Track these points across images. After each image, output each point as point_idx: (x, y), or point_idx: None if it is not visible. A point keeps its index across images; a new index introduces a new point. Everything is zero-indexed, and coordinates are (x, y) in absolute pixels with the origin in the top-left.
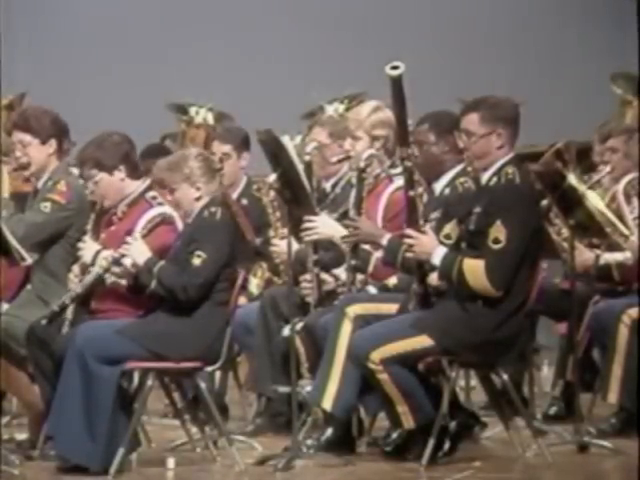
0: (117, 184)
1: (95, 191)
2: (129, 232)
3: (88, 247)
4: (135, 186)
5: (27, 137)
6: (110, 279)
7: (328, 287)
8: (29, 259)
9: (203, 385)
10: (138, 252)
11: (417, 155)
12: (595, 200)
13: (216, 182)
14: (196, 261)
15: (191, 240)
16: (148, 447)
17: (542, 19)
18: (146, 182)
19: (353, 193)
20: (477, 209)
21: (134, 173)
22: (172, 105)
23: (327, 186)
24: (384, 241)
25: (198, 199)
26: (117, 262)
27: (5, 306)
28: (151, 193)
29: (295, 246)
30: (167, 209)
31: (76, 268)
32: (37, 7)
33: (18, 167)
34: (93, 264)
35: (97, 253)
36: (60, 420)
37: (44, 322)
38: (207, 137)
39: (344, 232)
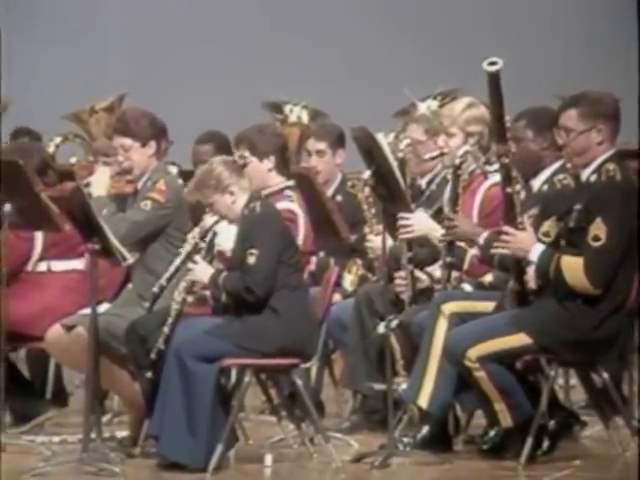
0: (262, 172)
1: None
2: None
3: (201, 269)
4: (278, 180)
5: (128, 141)
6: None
7: (422, 284)
8: (130, 259)
9: (299, 382)
10: (202, 273)
11: (514, 152)
12: None
13: (246, 178)
14: (251, 259)
15: (241, 241)
16: (246, 444)
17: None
18: (290, 182)
19: (448, 190)
20: (577, 206)
21: (283, 168)
22: (267, 103)
23: (422, 183)
24: (480, 239)
25: (235, 202)
26: (190, 291)
27: (107, 306)
28: (290, 192)
29: (389, 242)
30: (293, 206)
31: (182, 286)
32: (130, 7)
33: (121, 171)
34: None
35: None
36: (163, 419)
37: (154, 356)
38: (301, 135)
39: (440, 230)
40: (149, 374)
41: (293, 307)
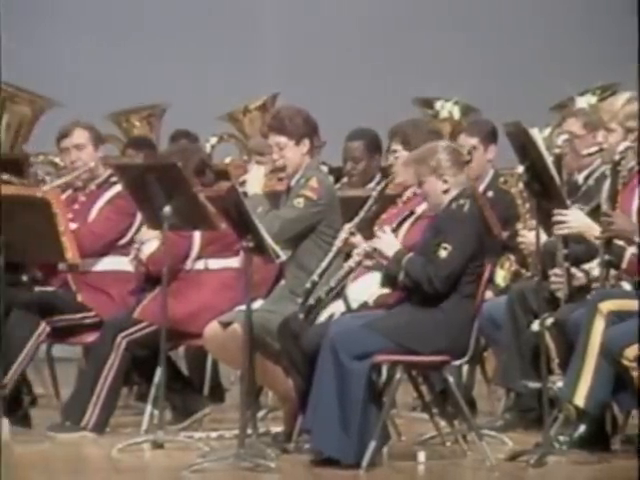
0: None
1: (393, 164)
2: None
3: (387, 241)
4: None
5: (282, 139)
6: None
7: (578, 282)
8: (283, 256)
9: (451, 379)
10: (388, 245)
11: None
12: None
13: (464, 174)
14: (442, 253)
15: (438, 232)
16: (398, 440)
17: None
18: None
19: (606, 186)
20: None
21: None
22: (418, 99)
23: (579, 178)
24: (639, 237)
25: (446, 192)
26: (369, 255)
27: (261, 302)
28: None
29: (543, 238)
30: None
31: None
32: (283, 7)
33: (275, 169)
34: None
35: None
36: (316, 414)
37: (301, 315)
38: (452, 131)
39: (597, 227)
40: (301, 315)
41: (459, 314)
